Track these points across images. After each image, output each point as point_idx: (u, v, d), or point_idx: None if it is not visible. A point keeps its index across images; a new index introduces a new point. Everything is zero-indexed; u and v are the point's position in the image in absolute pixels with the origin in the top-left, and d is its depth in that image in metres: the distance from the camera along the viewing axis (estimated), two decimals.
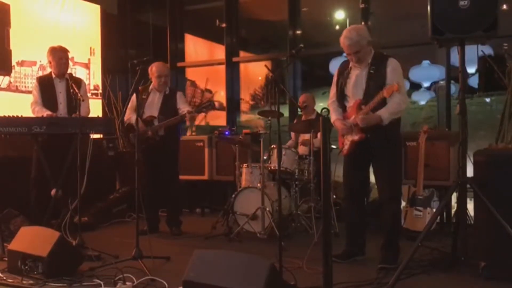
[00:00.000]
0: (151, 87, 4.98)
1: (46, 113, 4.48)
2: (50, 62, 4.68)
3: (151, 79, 4.96)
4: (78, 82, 4.61)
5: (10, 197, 4.75)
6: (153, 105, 4.94)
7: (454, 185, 3.51)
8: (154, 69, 4.90)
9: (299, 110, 6.33)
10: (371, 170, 3.91)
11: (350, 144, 3.75)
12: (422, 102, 12.61)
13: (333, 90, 3.96)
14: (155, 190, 4.95)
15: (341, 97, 3.85)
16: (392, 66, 3.65)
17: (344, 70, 3.86)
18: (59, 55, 4.63)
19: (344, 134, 3.82)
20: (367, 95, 3.66)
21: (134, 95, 4.75)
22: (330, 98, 3.98)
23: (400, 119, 3.80)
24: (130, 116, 4.88)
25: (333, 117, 3.89)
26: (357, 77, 3.75)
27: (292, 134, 5.82)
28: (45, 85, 4.66)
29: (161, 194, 5.01)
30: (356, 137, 3.70)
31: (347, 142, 3.79)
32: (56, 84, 4.66)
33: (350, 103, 3.78)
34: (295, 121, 5.82)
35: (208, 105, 4.84)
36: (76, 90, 4.21)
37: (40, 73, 5.54)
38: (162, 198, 5.07)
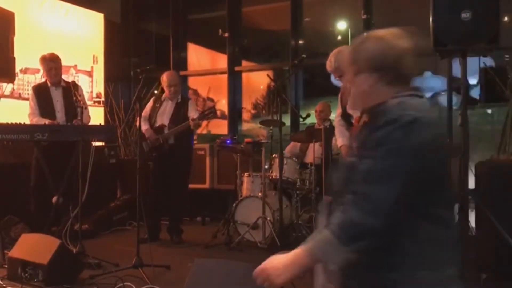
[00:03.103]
0: (163, 96, 5.02)
1: (46, 121, 4.47)
2: (43, 71, 4.68)
3: (163, 88, 5.00)
4: (76, 88, 4.59)
5: (11, 204, 4.74)
6: (165, 114, 4.97)
7: (456, 197, 3.51)
8: (165, 78, 4.94)
9: (300, 119, 6.33)
10: None
11: None
12: None
13: (339, 108, 3.98)
14: (160, 198, 4.96)
15: (346, 115, 3.85)
16: None
17: (345, 89, 3.88)
18: (49, 65, 4.60)
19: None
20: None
21: (150, 103, 4.89)
22: (336, 116, 4.00)
23: None
24: (142, 124, 4.90)
25: (339, 141, 3.88)
26: None
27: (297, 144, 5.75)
28: (41, 94, 4.64)
29: (165, 202, 5.01)
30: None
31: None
32: (53, 92, 4.64)
33: (354, 121, 3.78)
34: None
35: (210, 112, 4.85)
36: (79, 98, 4.22)
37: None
38: (166, 207, 5.07)
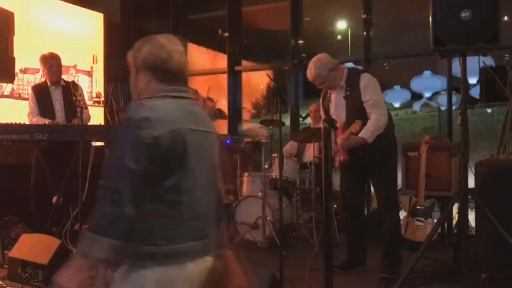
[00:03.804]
0: None
1: (46, 121, 4.47)
2: (43, 71, 4.69)
3: None
4: (75, 88, 4.60)
5: (11, 204, 4.75)
6: None
7: (456, 196, 3.51)
8: None
9: (300, 118, 6.33)
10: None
11: (339, 163, 3.79)
12: (418, 111, 12.62)
13: (322, 113, 4.02)
14: None
15: (330, 120, 3.88)
16: (364, 83, 3.67)
17: (326, 94, 3.92)
18: (50, 63, 4.62)
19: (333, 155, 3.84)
20: (349, 117, 3.71)
21: None
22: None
23: (393, 130, 3.82)
24: None
25: None
26: (336, 100, 3.82)
27: (294, 143, 5.77)
28: (41, 94, 4.65)
29: None
30: (341, 158, 3.75)
31: (337, 160, 3.81)
32: (52, 91, 4.65)
33: (338, 125, 3.82)
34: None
35: (214, 116, 4.85)
36: (79, 98, 4.22)
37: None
38: None
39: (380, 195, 3.82)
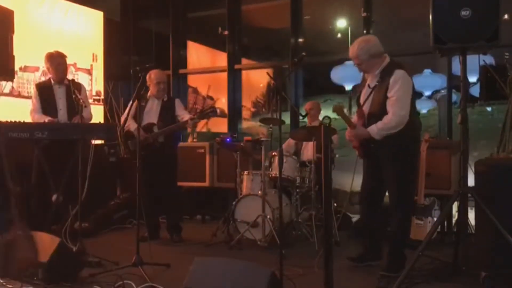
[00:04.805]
0: (149, 94, 4.99)
1: (47, 119, 4.49)
2: (48, 69, 4.70)
3: (149, 86, 4.98)
4: (78, 87, 4.62)
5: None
6: (152, 112, 4.95)
7: (455, 195, 3.51)
8: (152, 76, 4.93)
9: (300, 117, 6.33)
10: None
11: (357, 149, 3.84)
12: (424, 111, 12.59)
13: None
14: (154, 197, 4.95)
15: (359, 105, 3.91)
16: (395, 78, 3.60)
17: (363, 79, 3.94)
18: (57, 61, 4.63)
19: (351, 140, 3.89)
20: (370, 106, 3.72)
21: (134, 102, 4.82)
22: None
23: (414, 130, 3.76)
24: (129, 123, 4.89)
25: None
26: (367, 87, 3.82)
27: (292, 142, 5.77)
28: (45, 92, 4.67)
29: (161, 200, 5.01)
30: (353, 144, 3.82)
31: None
32: (56, 90, 4.67)
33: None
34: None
35: (211, 112, 4.84)
36: (79, 96, 4.23)
37: (43, 79, 5.56)
38: (162, 205, 5.07)
39: (390, 194, 3.77)
